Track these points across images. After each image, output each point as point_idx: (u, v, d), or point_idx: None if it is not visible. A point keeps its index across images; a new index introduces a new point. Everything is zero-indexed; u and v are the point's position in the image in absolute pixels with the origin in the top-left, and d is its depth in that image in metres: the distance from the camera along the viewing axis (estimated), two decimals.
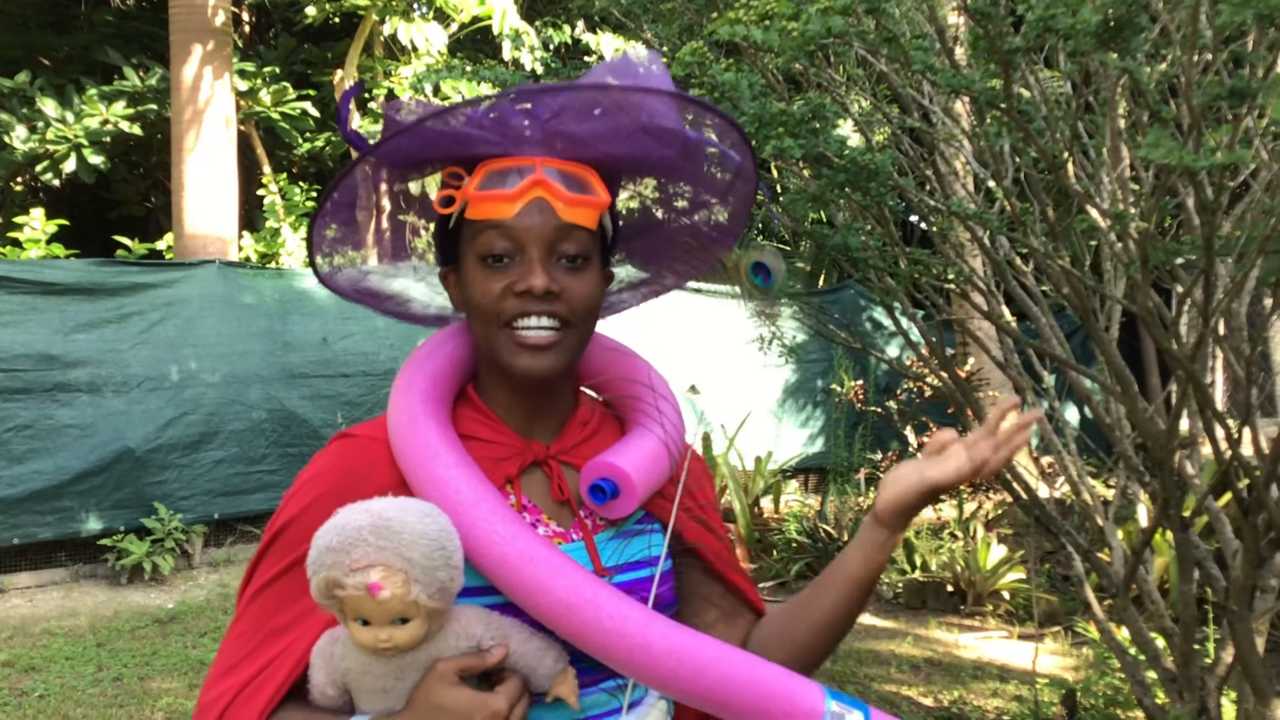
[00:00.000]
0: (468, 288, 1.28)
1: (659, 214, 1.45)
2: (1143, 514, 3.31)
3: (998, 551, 6.40)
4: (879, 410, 8.41)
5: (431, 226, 1.44)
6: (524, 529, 1.18)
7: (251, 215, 11.15)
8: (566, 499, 1.32)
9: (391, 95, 10.40)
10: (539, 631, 1.19)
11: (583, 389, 1.43)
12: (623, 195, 1.43)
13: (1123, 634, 3.52)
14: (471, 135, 1.24)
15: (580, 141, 1.25)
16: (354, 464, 1.28)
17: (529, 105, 1.23)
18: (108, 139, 10.06)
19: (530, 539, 1.17)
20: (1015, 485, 3.00)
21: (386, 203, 1.40)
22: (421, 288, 1.51)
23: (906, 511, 1.23)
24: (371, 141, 1.28)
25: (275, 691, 1.18)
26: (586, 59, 10.39)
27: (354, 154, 1.36)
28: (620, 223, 1.41)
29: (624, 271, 1.53)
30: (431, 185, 1.39)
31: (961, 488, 7.35)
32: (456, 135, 1.24)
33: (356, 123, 10.00)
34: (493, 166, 1.26)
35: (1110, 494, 5.13)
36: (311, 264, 1.42)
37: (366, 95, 10.84)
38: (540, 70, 8.11)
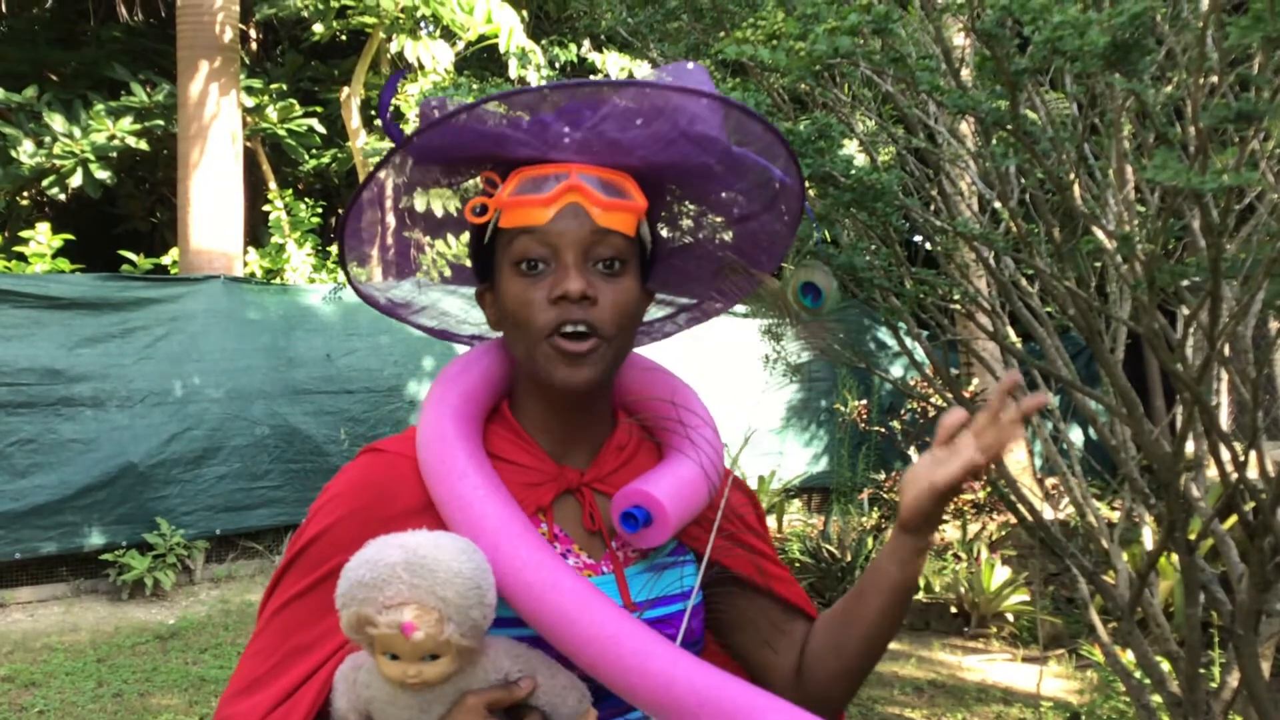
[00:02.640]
0: (504, 298, 1.24)
1: (701, 231, 1.41)
2: (1148, 536, 3.30)
3: (1002, 573, 6.38)
4: (883, 430, 8.40)
5: (438, 245, 1.43)
6: (549, 556, 1.14)
7: (257, 231, 11.18)
8: (598, 529, 1.27)
9: (399, 112, 10.42)
10: (564, 669, 1.16)
11: (622, 411, 1.38)
12: (665, 215, 1.39)
13: (1128, 657, 3.51)
14: (508, 136, 1.21)
15: (618, 147, 1.22)
16: (381, 481, 1.25)
17: (570, 110, 1.20)
18: (114, 154, 10.09)
19: (555, 567, 1.13)
20: (1020, 506, 2.99)
21: (401, 220, 1.38)
22: (457, 301, 1.48)
23: (929, 516, 1.19)
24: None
25: (302, 719, 1.16)
26: (592, 78, 10.41)
27: (363, 170, 1.35)
28: (660, 239, 1.37)
29: (667, 296, 1.48)
30: (440, 201, 1.38)
31: (965, 510, 7.32)
32: (493, 135, 1.21)
33: (362, 139, 10.03)
34: (527, 174, 1.22)
35: (1115, 516, 5.12)
36: (344, 271, 1.39)
37: (374, 114, 10.87)
38: None
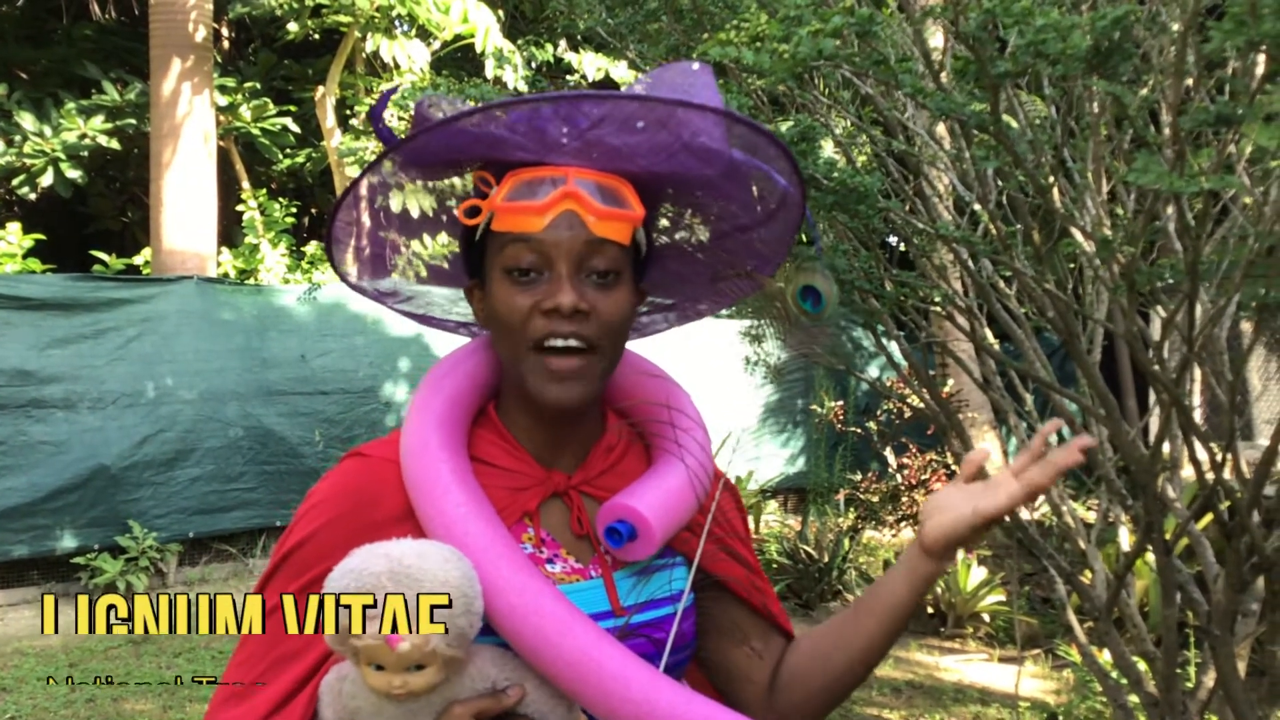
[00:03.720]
0: (493, 303, 1.22)
1: (696, 236, 1.38)
2: (1124, 537, 3.31)
3: (978, 573, 6.40)
4: (859, 431, 8.42)
5: (426, 244, 1.41)
6: (531, 577, 1.12)
7: (230, 231, 11.09)
8: (586, 532, 1.25)
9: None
10: None
11: (613, 414, 1.36)
12: (661, 218, 1.37)
13: (1104, 657, 3.52)
14: (504, 139, 1.18)
15: (618, 154, 1.19)
16: (365, 486, 1.23)
17: (568, 113, 1.17)
18: (85, 153, 9.99)
19: (537, 589, 1.11)
20: None
21: (391, 220, 1.36)
22: (444, 291, 1.46)
23: (958, 543, 1.17)
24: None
25: None
26: (569, 78, 10.41)
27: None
28: (655, 241, 1.34)
29: (658, 293, 1.46)
30: (429, 201, 1.36)
31: None
32: (489, 138, 1.18)
33: (337, 139, 9.97)
34: (522, 176, 1.19)
35: (1092, 516, 5.15)
36: (332, 264, 1.37)
37: (349, 113, 10.81)
38: (524, 88, 8.12)
